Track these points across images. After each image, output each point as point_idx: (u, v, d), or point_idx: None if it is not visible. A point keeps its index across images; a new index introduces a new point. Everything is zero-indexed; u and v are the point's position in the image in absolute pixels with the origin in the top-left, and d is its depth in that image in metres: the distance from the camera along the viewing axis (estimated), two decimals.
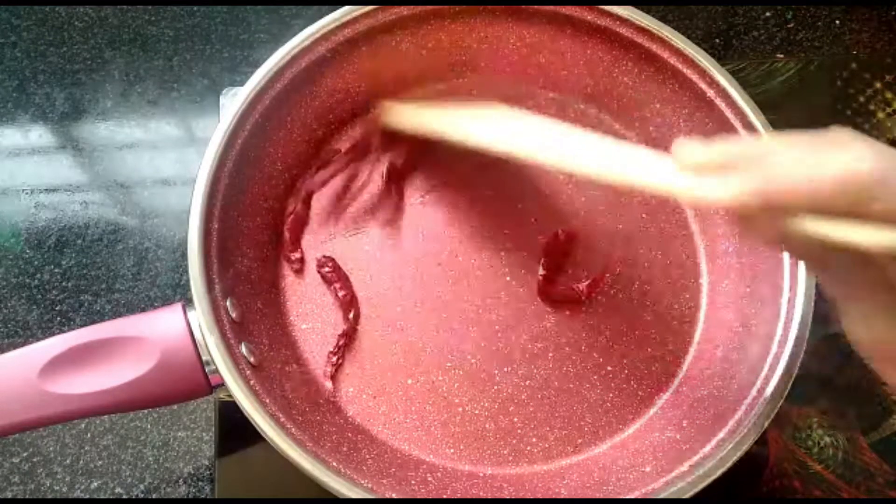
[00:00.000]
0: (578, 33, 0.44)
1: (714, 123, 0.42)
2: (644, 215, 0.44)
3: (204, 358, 0.34)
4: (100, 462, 0.42)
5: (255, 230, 0.41)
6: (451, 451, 0.38)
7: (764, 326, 0.37)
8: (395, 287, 0.42)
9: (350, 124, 0.45)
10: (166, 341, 0.34)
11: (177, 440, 0.43)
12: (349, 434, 0.38)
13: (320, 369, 0.40)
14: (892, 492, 0.43)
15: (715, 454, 0.34)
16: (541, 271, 0.42)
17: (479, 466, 0.38)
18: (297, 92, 0.41)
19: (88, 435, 0.43)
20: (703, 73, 0.41)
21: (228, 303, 0.36)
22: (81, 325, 0.34)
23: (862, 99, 0.53)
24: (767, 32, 0.56)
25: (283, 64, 0.40)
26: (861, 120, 0.53)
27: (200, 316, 0.34)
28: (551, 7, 0.43)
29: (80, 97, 0.52)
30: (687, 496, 0.33)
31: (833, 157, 0.22)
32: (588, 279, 0.42)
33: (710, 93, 0.41)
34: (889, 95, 0.53)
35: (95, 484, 0.42)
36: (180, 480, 0.42)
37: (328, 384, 0.39)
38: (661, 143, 0.45)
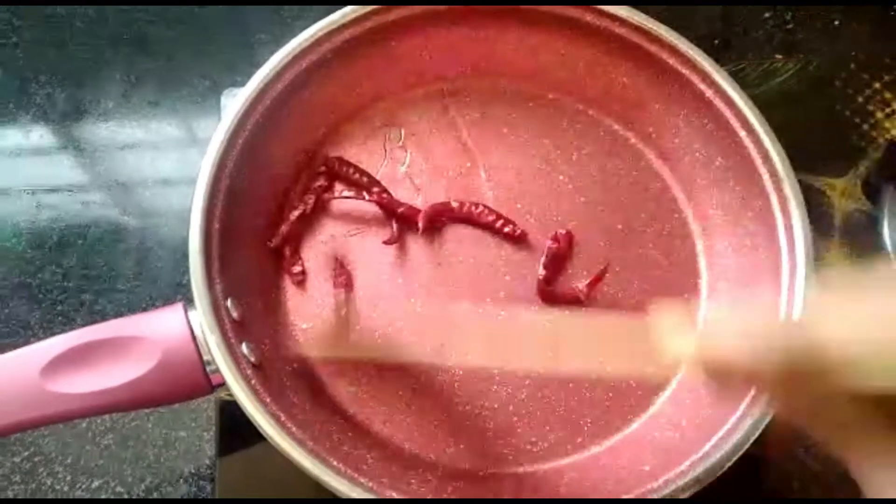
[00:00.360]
0: (578, 34, 0.44)
1: (713, 124, 0.42)
2: (644, 215, 0.44)
3: (205, 357, 0.34)
4: (101, 461, 0.42)
5: (255, 230, 0.41)
6: (451, 450, 0.38)
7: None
8: (395, 287, 0.42)
9: (351, 124, 0.45)
10: (167, 341, 0.34)
11: (178, 439, 0.43)
12: (349, 433, 0.38)
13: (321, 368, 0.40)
14: None
15: (714, 454, 0.34)
16: (540, 271, 0.42)
17: (478, 466, 0.38)
18: (298, 92, 0.41)
19: (89, 434, 0.43)
20: (702, 74, 0.41)
21: (229, 302, 0.36)
22: (82, 325, 0.34)
23: (861, 99, 0.53)
24: (766, 33, 0.56)
25: (283, 65, 0.40)
26: (860, 120, 0.53)
27: (201, 316, 0.34)
28: (551, 8, 0.43)
29: (81, 97, 0.52)
30: (685, 496, 0.33)
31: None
32: (588, 279, 0.42)
33: (709, 93, 0.41)
34: (888, 95, 0.53)
35: (96, 483, 0.42)
36: (181, 479, 0.42)
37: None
38: (660, 143, 0.45)
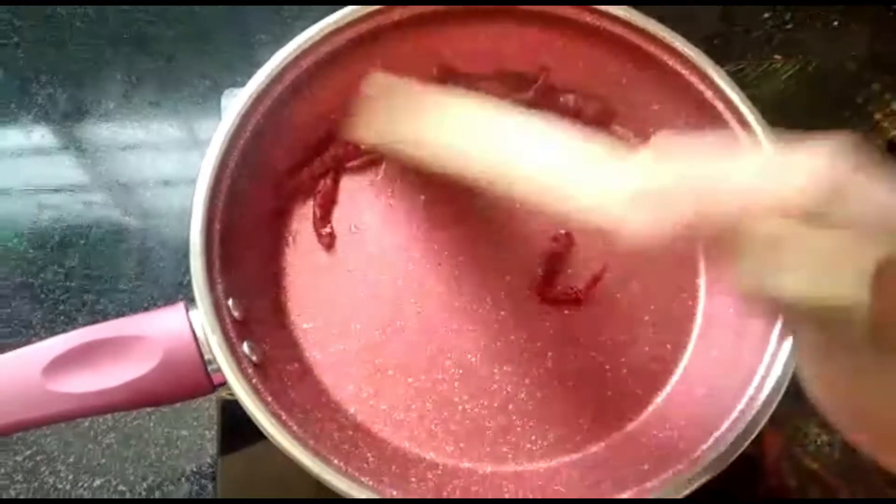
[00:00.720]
0: (577, 35, 0.44)
1: (712, 124, 0.42)
2: None
3: (206, 357, 0.34)
4: (103, 460, 0.43)
5: (257, 230, 0.41)
6: (451, 448, 0.39)
7: (761, 326, 0.37)
8: (396, 286, 0.42)
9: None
10: (169, 340, 0.34)
11: (179, 438, 0.43)
12: (350, 432, 0.38)
13: (321, 368, 0.40)
14: (891, 491, 0.43)
15: (712, 453, 0.34)
16: (540, 271, 0.42)
17: (478, 464, 0.38)
18: (299, 93, 0.41)
19: (91, 433, 0.43)
20: (701, 75, 0.41)
21: (231, 302, 0.36)
22: (84, 325, 0.34)
23: (860, 100, 0.53)
24: (766, 33, 0.56)
25: (284, 65, 0.40)
26: (859, 121, 0.53)
27: (203, 315, 0.34)
28: (551, 8, 0.43)
29: (82, 98, 0.53)
30: (684, 494, 0.33)
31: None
32: (587, 279, 0.42)
33: (709, 94, 0.41)
34: (888, 96, 0.53)
35: (98, 482, 0.42)
36: (183, 478, 0.42)
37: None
38: None
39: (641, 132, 0.46)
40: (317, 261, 0.42)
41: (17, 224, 0.49)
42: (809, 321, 0.22)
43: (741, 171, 0.22)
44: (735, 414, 0.35)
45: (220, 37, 0.55)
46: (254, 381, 0.34)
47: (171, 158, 0.51)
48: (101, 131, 0.52)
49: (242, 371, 0.34)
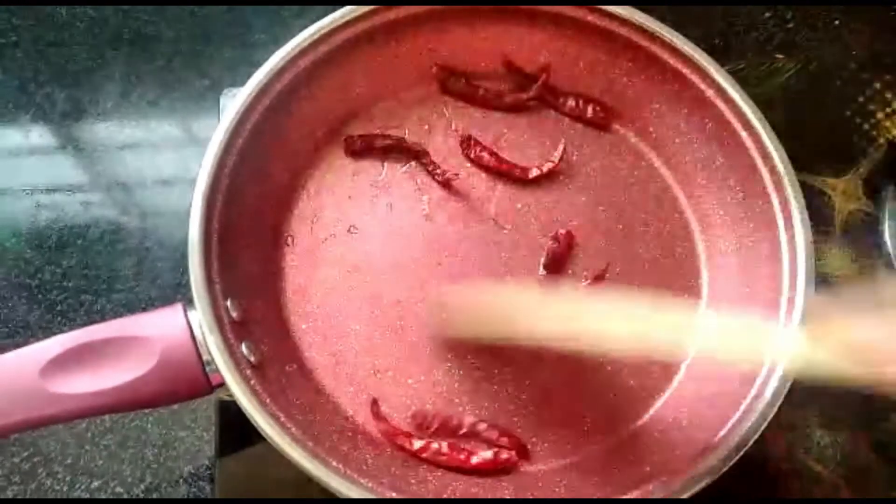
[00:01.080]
0: (578, 34, 0.44)
1: (713, 123, 0.42)
2: (644, 215, 0.44)
3: (204, 358, 0.34)
4: (100, 462, 0.42)
5: (255, 230, 0.41)
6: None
7: (764, 326, 0.37)
8: (396, 287, 0.42)
9: (351, 124, 0.45)
10: (167, 341, 0.34)
11: (177, 440, 0.43)
12: (349, 434, 0.38)
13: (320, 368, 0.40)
14: (893, 492, 0.43)
15: (715, 454, 0.34)
16: (541, 271, 0.42)
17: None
18: (297, 92, 0.41)
19: (89, 435, 0.43)
20: (702, 74, 0.41)
21: (229, 303, 0.36)
22: (82, 325, 0.34)
23: (861, 99, 0.53)
24: (767, 32, 0.56)
25: (283, 64, 0.40)
26: (860, 120, 0.53)
27: (201, 316, 0.34)
28: (551, 8, 0.43)
29: (80, 97, 0.52)
30: (686, 496, 0.33)
31: None
32: (588, 279, 0.42)
33: (710, 93, 0.41)
34: (889, 95, 0.53)
35: (96, 483, 0.42)
36: (181, 480, 0.42)
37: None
38: (660, 142, 0.45)
39: (642, 131, 0.46)
40: (315, 261, 0.42)
41: (15, 224, 0.48)
42: None
43: None
44: (738, 414, 0.35)
45: (218, 36, 0.55)
46: (252, 382, 0.34)
47: (169, 158, 0.51)
48: (99, 131, 0.52)
49: (241, 372, 0.34)
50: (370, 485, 0.33)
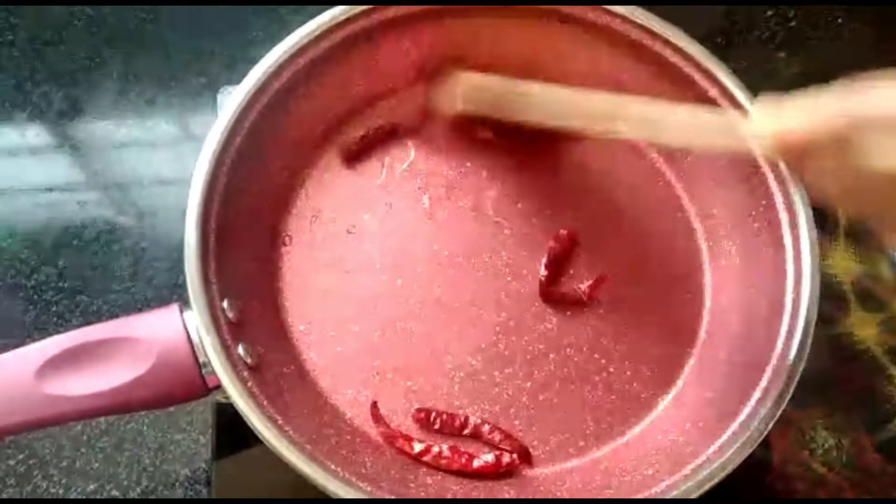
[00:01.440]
0: (579, 32, 0.43)
1: None
2: (647, 215, 0.44)
3: (201, 359, 0.34)
4: (96, 464, 0.42)
5: (253, 229, 0.41)
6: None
7: (767, 327, 0.37)
8: (396, 288, 0.41)
9: (349, 123, 0.45)
10: (163, 342, 0.33)
11: (173, 442, 0.43)
12: (347, 437, 0.37)
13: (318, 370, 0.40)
14: None
15: (718, 457, 0.33)
16: (542, 272, 0.42)
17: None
18: (296, 90, 0.41)
19: (85, 437, 0.43)
20: (704, 72, 0.41)
21: (226, 303, 0.35)
22: (78, 326, 0.34)
23: None
24: (769, 31, 0.56)
25: (280, 62, 0.40)
26: None
27: (197, 317, 0.34)
28: (552, 6, 0.43)
29: (77, 96, 0.52)
30: (690, 498, 0.33)
31: None
32: (590, 280, 0.42)
33: (713, 91, 0.41)
34: None
35: (92, 486, 0.42)
36: (177, 483, 0.42)
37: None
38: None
39: None
40: (314, 261, 0.42)
41: (11, 223, 0.48)
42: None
43: None
44: (741, 417, 0.34)
45: (216, 34, 0.54)
46: (249, 384, 0.33)
47: (166, 157, 0.51)
48: (95, 130, 0.51)
49: (237, 374, 0.33)
50: (369, 488, 0.33)
